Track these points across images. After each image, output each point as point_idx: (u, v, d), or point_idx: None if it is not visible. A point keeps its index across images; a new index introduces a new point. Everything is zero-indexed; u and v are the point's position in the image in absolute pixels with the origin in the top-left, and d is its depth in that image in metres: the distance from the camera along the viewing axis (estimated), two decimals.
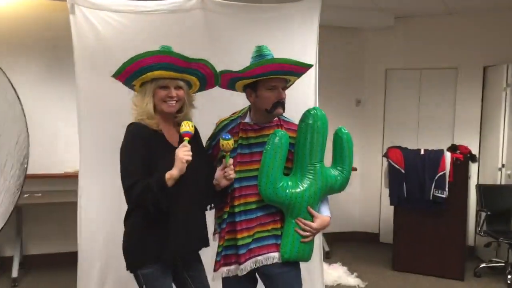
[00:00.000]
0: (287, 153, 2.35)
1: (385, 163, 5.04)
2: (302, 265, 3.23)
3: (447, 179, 4.66)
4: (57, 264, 4.68)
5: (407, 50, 5.77)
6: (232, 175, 2.29)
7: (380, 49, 5.92)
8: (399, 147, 5.00)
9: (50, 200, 4.59)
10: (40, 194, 4.70)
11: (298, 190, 2.31)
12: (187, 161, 2.09)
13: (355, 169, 5.92)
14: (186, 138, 2.15)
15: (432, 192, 4.70)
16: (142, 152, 2.17)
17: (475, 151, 5.36)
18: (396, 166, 4.86)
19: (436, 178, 4.69)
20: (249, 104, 2.47)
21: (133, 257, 2.26)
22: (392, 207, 4.99)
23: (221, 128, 2.50)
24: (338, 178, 2.41)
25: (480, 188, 5.00)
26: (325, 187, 2.37)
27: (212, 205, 2.49)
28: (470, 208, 5.07)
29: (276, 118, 2.44)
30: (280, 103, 2.35)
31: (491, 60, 5.39)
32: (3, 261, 4.72)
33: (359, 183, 6.10)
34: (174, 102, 2.25)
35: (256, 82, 2.34)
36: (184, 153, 2.10)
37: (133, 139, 2.20)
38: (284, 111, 2.40)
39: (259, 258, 2.33)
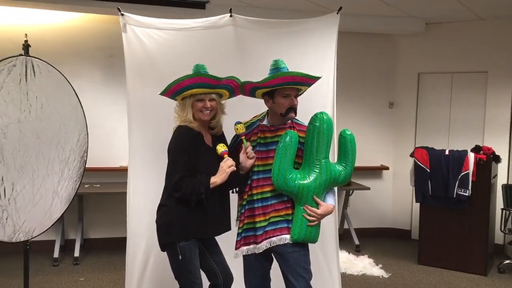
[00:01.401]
0: (297, 151, 2.76)
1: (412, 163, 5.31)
2: (320, 249, 3.67)
3: (470, 178, 4.90)
4: (112, 247, 5.31)
5: (439, 55, 6.00)
6: (252, 154, 2.77)
7: (412, 53, 6.19)
8: (426, 148, 5.26)
9: (107, 190, 5.21)
10: (98, 185, 5.35)
11: (305, 181, 2.71)
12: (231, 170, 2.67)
13: (386, 168, 6.25)
14: (226, 156, 2.72)
15: (455, 191, 4.95)
16: (189, 151, 2.73)
17: (504, 152, 5.54)
18: (421, 165, 5.13)
19: (459, 177, 4.93)
20: (267, 109, 2.93)
21: (167, 234, 2.78)
22: None
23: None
24: (342, 172, 2.80)
25: (506, 187, 5.18)
26: (330, 180, 2.76)
27: (236, 189, 2.96)
28: (496, 207, 5.26)
29: (289, 121, 2.87)
30: (293, 109, 2.79)
31: None
32: (67, 243, 5.42)
33: (391, 181, 6.40)
34: (209, 111, 2.78)
35: (273, 90, 2.79)
36: (228, 166, 2.68)
37: (183, 140, 2.75)
38: (296, 115, 2.83)
39: (273, 239, 2.76)
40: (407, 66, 6.24)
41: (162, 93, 2.83)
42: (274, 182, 2.72)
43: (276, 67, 2.82)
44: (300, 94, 2.95)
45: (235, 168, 2.69)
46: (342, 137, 2.83)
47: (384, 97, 6.35)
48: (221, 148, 2.74)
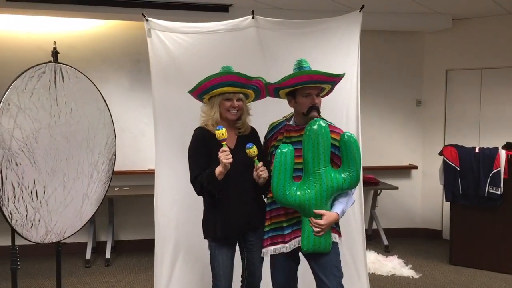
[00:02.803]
0: (332, 156, 2.71)
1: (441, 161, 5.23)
2: (347, 250, 3.65)
3: (502, 176, 4.79)
4: (142, 249, 5.39)
5: (467, 51, 5.89)
6: (264, 174, 2.76)
7: (439, 50, 6.09)
8: (455, 146, 5.17)
9: (136, 193, 5.29)
10: (128, 188, 5.45)
11: (304, 194, 2.65)
12: (228, 163, 2.65)
13: (415, 167, 6.16)
14: (224, 143, 2.70)
15: (487, 189, 4.84)
16: (202, 151, 2.81)
17: None
18: (451, 163, 5.04)
19: (491, 175, 4.82)
20: None
21: (204, 230, 2.91)
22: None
23: (271, 128, 3.00)
24: (347, 179, 2.68)
25: None
26: (332, 189, 2.67)
27: (264, 194, 3.00)
28: None
29: None
30: (314, 108, 2.75)
31: None
32: (99, 245, 5.55)
33: (420, 181, 6.30)
34: (236, 111, 2.83)
35: (295, 90, 2.79)
36: (224, 156, 2.66)
37: (196, 142, 2.86)
38: (319, 114, 2.79)
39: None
40: (435, 63, 6.14)
41: (191, 91, 2.89)
42: (275, 198, 2.71)
43: (299, 67, 2.82)
44: (325, 94, 2.95)
45: (231, 160, 2.65)
46: (342, 141, 2.69)
47: (411, 95, 6.26)
48: (218, 136, 2.66)
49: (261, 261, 2.97)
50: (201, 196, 2.90)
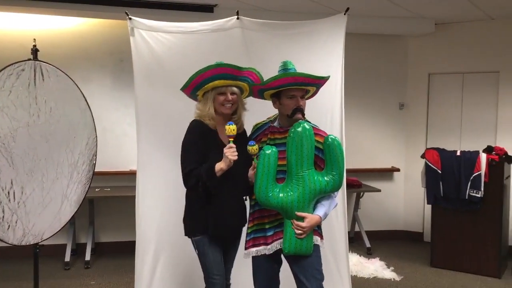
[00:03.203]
0: (316, 158, 2.70)
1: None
2: (330, 253, 3.65)
3: (483, 179, 4.84)
4: (123, 251, 5.29)
5: (449, 55, 5.95)
6: None
7: (422, 54, 6.14)
8: (437, 149, 5.21)
9: (118, 194, 5.22)
10: (109, 189, 5.38)
11: (287, 197, 2.63)
12: (232, 160, 2.63)
13: (397, 170, 6.20)
14: (230, 140, 2.67)
15: (468, 192, 4.89)
16: (199, 144, 2.75)
17: None
18: (432, 166, 5.08)
19: (471, 178, 4.87)
20: None
21: (188, 226, 2.86)
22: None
23: (256, 130, 2.97)
24: (330, 182, 2.66)
25: None
26: (314, 192, 2.65)
27: (247, 197, 2.96)
28: (510, 208, 5.18)
29: None
30: (299, 110, 2.74)
31: None
32: (79, 247, 5.45)
33: (402, 183, 6.34)
34: (230, 105, 2.80)
35: (279, 92, 2.78)
36: (231, 153, 2.64)
37: (193, 133, 2.79)
38: (303, 117, 2.78)
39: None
40: (417, 67, 6.19)
41: (184, 88, 2.85)
42: (257, 199, 2.68)
43: (284, 68, 2.81)
44: (310, 96, 2.94)
45: (236, 157, 2.63)
46: (326, 144, 2.67)
47: (394, 98, 6.30)
48: (227, 131, 2.65)
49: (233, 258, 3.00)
50: (183, 195, 2.85)
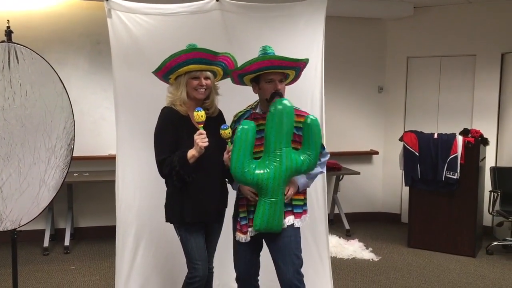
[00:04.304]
0: (293, 136, 2.70)
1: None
2: (310, 234, 3.70)
3: (459, 161, 4.93)
4: (103, 236, 5.29)
5: (427, 39, 6.00)
6: None
7: (401, 38, 6.19)
8: (415, 131, 5.28)
9: (96, 179, 5.18)
10: (87, 174, 5.32)
11: (263, 172, 2.61)
12: (204, 147, 2.58)
13: (376, 153, 6.27)
14: (200, 126, 2.63)
15: (444, 174, 4.98)
16: (171, 132, 2.71)
17: (492, 135, 5.58)
18: (410, 149, 5.15)
19: (448, 160, 4.97)
20: None
21: (168, 214, 2.85)
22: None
23: (237, 119, 2.92)
24: (306, 161, 2.67)
25: (494, 170, 5.22)
26: (291, 170, 2.65)
27: (227, 180, 2.95)
28: (485, 189, 5.31)
29: None
30: (277, 93, 2.71)
31: (509, 47, 5.55)
32: (58, 232, 5.40)
33: (381, 166, 6.43)
34: (204, 89, 2.75)
35: (258, 76, 2.75)
36: (201, 140, 2.59)
37: (164, 121, 2.76)
38: None
39: None
40: (396, 51, 6.24)
41: (156, 71, 2.79)
42: (233, 175, 2.64)
43: (264, 53, 2.78)
44: (291, 81, 2.93)
45: (207, 144, 2.59)
46: (305, 124, 2.69)
47: (373, 81, 6.34)
48: (196, 117, 2.60)
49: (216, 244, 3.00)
50: (164, 180, 2.83)
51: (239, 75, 2.81)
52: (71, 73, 5.31)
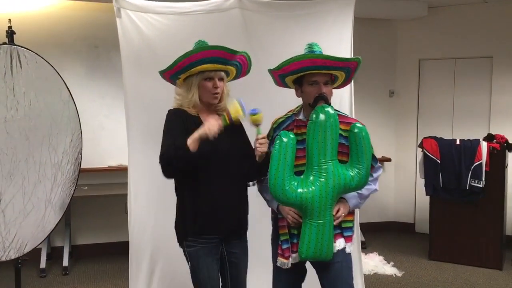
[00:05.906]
0: (339, 147, 2.35)
1: (420, 154, 5.07)
2: None
3: (484, 169, 4.68)
4: (104, 253, 4.91)
5: (441, 40, 5.76)
6: (262, 148, 2.36)
7: (413, 39, 5.94)
8: (434, 138, 5.01)
9: (95, 193, 4.80)
10: (86, 187, 4.93)
11: (308, 191, 2.27)
12: (211, 131, 2.23)
13: (389, 160, 6.00)
14: (226, 117, 2.31)
15: (468, 182, 4.72)
16: (178, 131, 2.33)
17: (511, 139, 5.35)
18: (431, 156, 4.88)
19: (472, 167, 4.70)
20: None
21: (177, 232, 2.47)
22: (428, 197, 5.03)
23: (277, 126, 2.56)
24: (355, 177, 2.32)
25: None
26: (339, 187, 2.30)
27: (254, 182, 2.58)
28: (509, 197, 5.06)
29: None
30: (321, 98, 2.35)
31: None
32: (54, 251, 4.98)
33: (393, 173, 6.16)
34: (218, 93, 2.42)
35: (301, 77, 2.42)
36: (213, 123, 2.25)
37: (171, 120, 2.40)
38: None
39: None
40: (407, 53, 5.99)
41: (165, 71, 2.45)
42: (272, 193, 2.29)
43: (309, 51, 2.44)
44: (341, 84, 2.59)
45: (216, 130, 2.25)
46: (352, 133, 2.33)
47: (384, 85, 6.09)
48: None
49: (245, 278, 2.58)
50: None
51: (280, 75, 2.47)
52: (67, 79, 4.85)
